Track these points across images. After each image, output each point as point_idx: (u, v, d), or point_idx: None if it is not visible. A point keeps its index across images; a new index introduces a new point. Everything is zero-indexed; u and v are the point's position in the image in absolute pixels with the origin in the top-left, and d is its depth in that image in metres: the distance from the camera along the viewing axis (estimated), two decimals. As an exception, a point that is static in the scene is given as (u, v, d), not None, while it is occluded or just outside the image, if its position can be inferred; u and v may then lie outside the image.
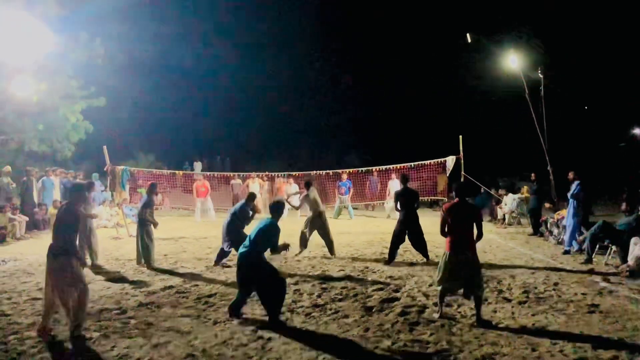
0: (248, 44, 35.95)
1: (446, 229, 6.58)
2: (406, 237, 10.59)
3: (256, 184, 20.09)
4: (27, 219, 14.31)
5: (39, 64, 16.59)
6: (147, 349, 5.65)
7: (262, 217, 7.20)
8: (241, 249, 6.70)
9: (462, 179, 15.34)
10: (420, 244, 10.56)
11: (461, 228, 6.50)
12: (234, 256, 10.49)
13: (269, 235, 6.70)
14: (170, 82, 32.73)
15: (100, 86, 19.32)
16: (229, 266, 10.08)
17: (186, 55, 32.91)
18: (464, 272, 6.44)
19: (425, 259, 10.52)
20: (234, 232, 9.91)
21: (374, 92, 35.73)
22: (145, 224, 10.29)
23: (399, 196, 10.72)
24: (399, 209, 10.67)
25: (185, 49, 33.23)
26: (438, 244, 12.29)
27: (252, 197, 10.57)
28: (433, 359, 5.33)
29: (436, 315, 6.67)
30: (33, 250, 12.02)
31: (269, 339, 5.93)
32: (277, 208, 7.04)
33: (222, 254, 10.30)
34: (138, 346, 5.72)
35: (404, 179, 11.15)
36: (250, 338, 5.97)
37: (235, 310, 6.76)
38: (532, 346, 5.61)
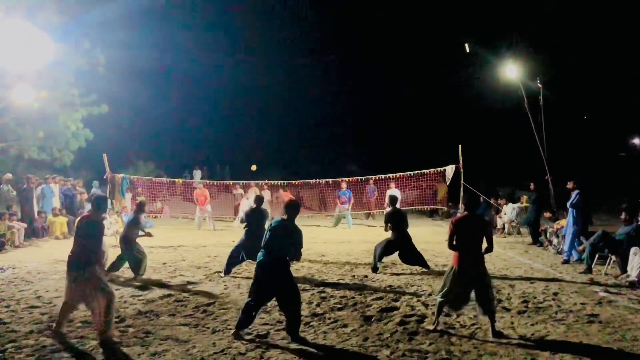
0: (249, 53, 36.10)
1: (454, 243, 6.45)
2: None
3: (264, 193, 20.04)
4: (25, 226, 14.29)
5: (40, 71, 16.60)
6: (145, 357, 5.63)
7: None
8: (263, 258, 6.31)
9: (461, 189, 15.37)
10: (415, 259, 10.45)
11: (470, 242, 6.39)
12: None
13: (299, 238, 6.39)
14: (170, 91, 32.86)
15: (101, 94, 19.31)
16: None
17: (187, 63, 32.99)
18: (471, 288, 6.34)
19: (426, 269, 10.42)
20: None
21: (373, 102, 35.87)
22: (131, 242, 9.99)
23: (389, 217, 10.60)
24: (389, 230, 10.56)
25: (186, 58, 33.32)
26: (437, 253, 12.33)
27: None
28: (432, 368, 5.31)
29: (431, 327, 6.56)
30: (32, 258, 12.00)
31: (267, 348, 5.91)
32: (295, 206, 6.64)
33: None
34: (136, 354, 5.70)
35: (393, 201, 11.02)
36: (249, 347, 5.95)
37: (246, 325, 6.35)
38: (532, 356, 5.59)
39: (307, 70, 38.05)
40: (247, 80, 34.73)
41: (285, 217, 6.49)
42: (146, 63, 28.27)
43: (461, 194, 15.51)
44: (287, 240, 6.33)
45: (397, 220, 10.46)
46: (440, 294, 6.56)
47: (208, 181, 22.02)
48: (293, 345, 6.04)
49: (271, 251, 6.28)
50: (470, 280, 6.34)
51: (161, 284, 9.35)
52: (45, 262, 11.49)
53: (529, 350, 5.79)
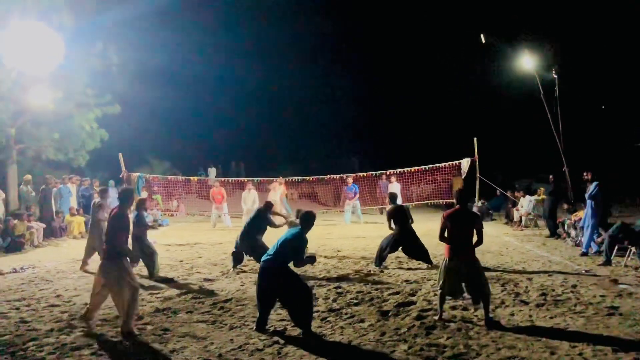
0: (262, 53, 36.14)
1: (446, 235, 6.58)
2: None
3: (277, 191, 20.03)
4: (44, 226, 14.45)
5: (55, 73, 16.77)
6: (164, 354, 5.66)
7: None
8: (264, 259, 6.46)
9: (477, 182, 15.26)
10: (419, 254, 10.43)
11: (461, 235, 6.51)
12: (248, 261, 10.63)
13: (295, 245, 6.46)
14: (184, 90, 32.87)
15: (115, 94, 19.45)
16: (244, 271, 10.13)
17: (200, 63, 33.07)
18: (464, 278, 6.48)
19: (429, 265, 10.32)
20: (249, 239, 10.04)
21: (388, 96, 35.73)
22: (141, 239, 10.05)
23: (390, 215, 10.64)
24: (393, 227, 10.55)
25: (200, 57, 33.41)
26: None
27: (269, 205, 10.69)
28: (450, 363, 5.28)
29: (436, 318, 6.68)
30: (51, 258, 12.15)
31: (285, 344, 5.92)
32: (307, 219, 6.68)
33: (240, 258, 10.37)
34: (155, 351, 5.75)
35: (393, 198, 11.21)
36: (266, 343, 5.97)
37: (262, 327, 6.43)
38: (551, 349, 5.54)
39: (320, 65, 38.07)
40: (259, 79, 34.79)
41: (300, 228, 6.63)
42: (159, 63, 28.39)
43: (477, 187, 15.39)
44: (287, 248, 6.43)
45: (398, 217, 10.47)
46: (438, 285, 6.74)
47: (223, 178, 22.03)
48: (310, 342, 6.04)
49: (272, 257, 6.38)
50: (461, 271, 6.45)
51: (178, 282, 9.40)
52: (63, 261, 11.63)
53: (548, 343, 5.73)
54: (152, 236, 15.24)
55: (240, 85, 35.04)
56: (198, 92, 34.26)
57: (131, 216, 10.08)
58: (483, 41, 16.62)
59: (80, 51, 17.84)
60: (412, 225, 10.54)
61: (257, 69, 34.63)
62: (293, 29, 36.68)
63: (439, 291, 6.71)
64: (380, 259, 10.49)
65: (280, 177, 20.89)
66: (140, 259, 9.96)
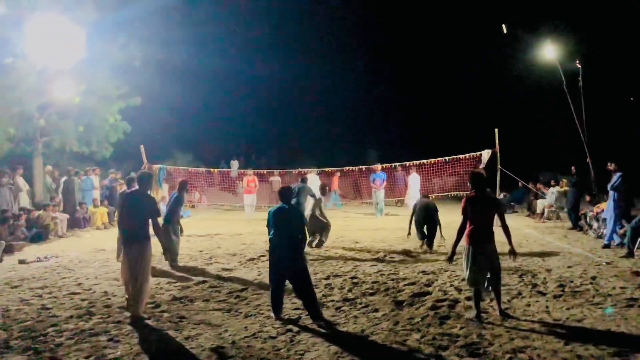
0: (282, 46, 36.16)
1: (466, 222, 6.37)
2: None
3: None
4: (68, 217, 14.72)
5: (78, 66, 17.02)
6: (179, 341, 5.75)
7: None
8: (277, 241, 6.49)
9: (498, 173, 15.08)
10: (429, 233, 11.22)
11: (481, 220, 6.31)
12: (266, 251, 10.69)
13: (299, 218, 6.80)
14: (206, 84, 33.08)
15: (137, 88, 19.68)
16: (262, 261, 10.21)
17: (223, 56, 33.22)
18: (485, 265, 6.25)
19: (428, 249, 11.08)
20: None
21: (408, 88, 35.49)
22: (174, 221, 10.27)
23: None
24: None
25: (223, 51, 33.56)
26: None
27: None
28: (462, 352, 5.26)
29: (472, 314, 6.35)
30: (74, 248, 12.38)
31: (298, 332, 5.97)
32: (286, 193, 6.94)
33: None
34: (170, 338, 5.84)
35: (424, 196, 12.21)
36: (280, 331, 6.02)
37: (278, 311, 6.52)
38: (565, 340, 5.47)
39: (339, 58, 37.93)
40: (280, 73, 34.78)
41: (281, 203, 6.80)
42: (181, 57, 28.57)
43: (498, 178, 15.21)
44: (291, 223, 6.57)
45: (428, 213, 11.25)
46: (468, 279, 6.38)
47: (244, 170, 22.13)
48: (323, 329, 6.08)
49: (281, 235, 6.49)
50: (481, 257, 6.24)
51: (197, 271, 9.51)
52: (86, 251, 11.84)
53: (563, 334, 5.68)
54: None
55: (260, 79, 35.11)
56: (219, 85, 34.44)
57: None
58: (505, 31, 16.39)
59: (103, 45, 18.08)
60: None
61: (278, 63, 34.63)
62: (311, 21, 36.65)
63: (473, 287, 6.37)
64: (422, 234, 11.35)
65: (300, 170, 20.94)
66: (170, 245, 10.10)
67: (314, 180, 17.70)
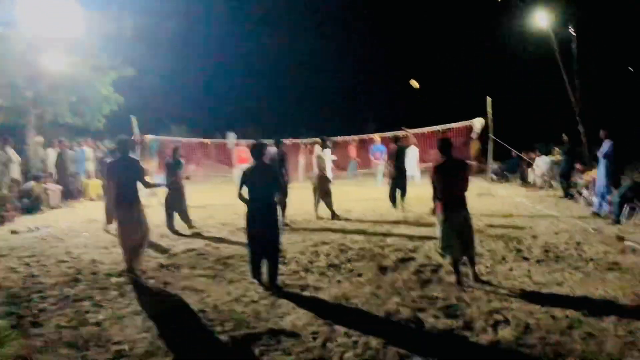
0: (276, 18, 35.85)
1: (438, 190, 6.30)
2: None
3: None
4: (61, 188, 14.75)
5: (70, 36, 16.85)
6: (161, 305, 5.82)
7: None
8: (254, 206, 6.46)
9: (490, 142, 15.07)
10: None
11: (452, 186, 6.24)
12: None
13: (276, 178, 6.72)
14: (201, 54, 32.99)
15: (130, 59, 19.53)
16: None
17: (217, 27, 32.99)
18: (457, 230, 6.19)
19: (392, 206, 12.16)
20: None
21: (399, 54, 35.27)
22: (180, 187, 10.53)
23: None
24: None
25: (217, 22, 33.30)
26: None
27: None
28: (439, 314, 5.32)
29: (454, 279, 6.38)
30: (66, 218, 12.42)
31: (280, 296, 6.03)
32: (258, 150, 6.65)
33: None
34: (153, 302, 5.91)
35: (396, 139, 12.75)
36: (262, 295, 6.08)
37: (259, 276, 6.56)
38: (543, 302, 5.53)
39: (333, 28, 37.70)
40: (275, 45, 34.65)
41: (255, 162, 6.62)
42: (173, 29, 28.29)
43: (490, 147, 15.19)
44: (268, 182, 6.51)
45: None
46: (440, 247, 6.43)
47: (238, 141, 22.07)
48: (306, 293, 6.15)
49: (257, 197, 6.47)
50: (454, 223, 6.19)
51: (186, 240, 9.57)
52: (78, 221, 11.88)
53: (541, 296, 5.74)
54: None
55: (256, 51, 34.93)
56: (214, 57, 34.27)
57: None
58: (498, -1, 16.20)
59: (95, 15, 17.88)
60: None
61: (273, 35, 34.42)
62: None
63: (449, 255, 6.38)
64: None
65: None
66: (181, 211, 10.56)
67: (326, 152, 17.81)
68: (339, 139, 21.44)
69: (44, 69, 16.83)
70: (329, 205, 11.72)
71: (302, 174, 23.01)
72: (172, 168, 10.54)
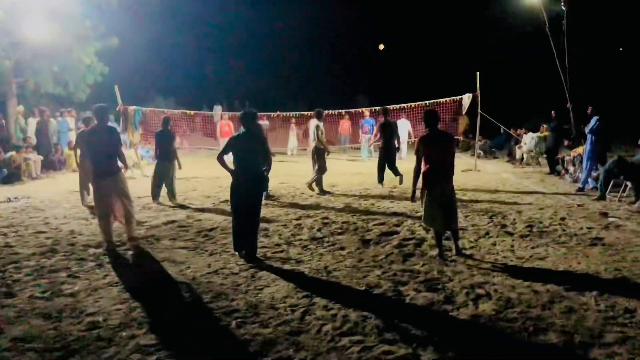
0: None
1: (421, 162, 6.17)
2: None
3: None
4: (42, 158, 14.49)
5: (52, 4, 16.42)
6: (137, 277, 5.71)
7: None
8: (240, 177, 6.31)
9: (478, 118, 14.95)
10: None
11: (437, 159, 6.08)
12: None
13: (264, 149, 6.51)
14: (190, 27, 32.37)
15: (115, 30, 19.13)
16: None
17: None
18: (440, 204, 6.08)
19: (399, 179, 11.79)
20: None
21: (384, 27, 34.90)
22: (173, 158, 10.38)
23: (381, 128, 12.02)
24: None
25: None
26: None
27: None
28: (420, 287, 5.27)
29: (436, 252, 6.33)
30: (47, 189, 12.23)
31: (260, 269, 5.94)
32: (248, 117, 6.45)
33: None
34: (130, 274, 5.80)
35: (385, 112, 12.34)
36: (242, 267, 5.99)
37: (241, 248, 6.44)
38: (525, 276, 5.49)
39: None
40: (263, 17, 34.05)
41: (244, 130, 6.44)
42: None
43: (478, 123, 15.08)
44: (256, 151, 6.33)
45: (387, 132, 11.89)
46: (423, 220, 6.40)
47: (227, 113, 21.79)
48: (287, 266, 6.07)
49: (244, 167, 6.32)
50: (437, 197, 6.08)
51: (168, 212, 9.44)
52: (59, 192, 11.69)
53: (525, 271, 5.71)
54: (149, 171, 15.38)
55: (244, 23, 34.33)
56: (201, 30, 33.70)
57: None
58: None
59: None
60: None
61: (261, 7, 33.84)
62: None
63: (432, 229, 6.36)
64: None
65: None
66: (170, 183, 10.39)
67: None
68: (330, 112, 21.18)
69: (24, 37, 16.41)
70: (320, 181, 11.43)
71: (293, 147, 22.95)
72: (162, 139, 10.33)
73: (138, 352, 3.90)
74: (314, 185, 11.48)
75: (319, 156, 11.27)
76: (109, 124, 7.08)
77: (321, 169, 11.32)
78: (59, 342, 4.07)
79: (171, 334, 4.28)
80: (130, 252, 6.67)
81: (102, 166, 6.70)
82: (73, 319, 4.55)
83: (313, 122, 11.53)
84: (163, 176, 10.29)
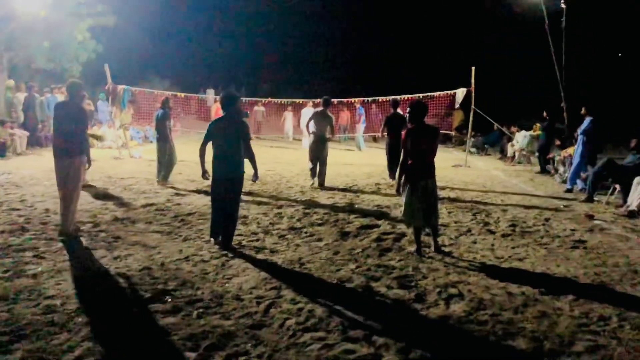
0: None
1: (408, 156, 5.98)
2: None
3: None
4: (27, 134, 14.27)
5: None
6: (106, 260, 5.56)
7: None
8: (219, 164, 6.15)
9: (471, 113, 14.77)
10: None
11: (420, 153, 5.93)
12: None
13: (245, 134, 6.23)
14: (184, 9, 32.06)
15: (113, 7, 18.85)
16: None
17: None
18: (422, 199, 5.94)
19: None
20: None
21: (382, 21, 34.64)
22: (168, 138, 10.32)
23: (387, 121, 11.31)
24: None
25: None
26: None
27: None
28: (392, 284, 5.13)
29: (412, 249, 6.20)
30: (30, 166, 12.03)
31: (232, 257, 5.80)
32: (229, 101, 6.24)
33: None
34: (99, 257, 5.64)
35: (394, 104, 11.51)
36: (214, 255, 5.85)
37: (217, 235, 6.28)
38: (501, 277, 5.36)
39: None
40: (259, 2, 33.77)
41: (224, 115, 6.23)
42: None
43: (471, 119, 14.91)
44: (236, 136, 6.12)
45: (394, 124, 10.99)
46: (402, 215, 6.24)
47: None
48: (260, 256, 5.93)
49: (224, 153, 6.14)
50: (421, 193, 5.94)
51: (148, 195, 9.28)
52: (42, 169, 11.47)
53: (502, 272, 5.57)
54: (138, 152, 15.21)
55: (242, 6, 34.01)
56: (201, 14, 33.40)
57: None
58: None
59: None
60: None
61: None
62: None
63: (411, 225, 6.23)
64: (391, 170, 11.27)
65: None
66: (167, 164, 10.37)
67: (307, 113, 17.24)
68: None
69: (15, 11, 16.11)
70: (323, 175, 10.79)
71: (288, 134, 22.86)
72: (161, 119, 10.35)
73: (89, 340, 3.75)
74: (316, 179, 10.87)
75: (325, 147, 10.71)
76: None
77: (326, 161, 10.82)
78: (9, 326, 3.91)
79: (128, 323, 4.13)
80: (102, 234, 6.51)
81: (60, 143, 6.32)
82: (30, 301, 4.40)
83: (320, 110, 10.90)
84: (163, 156, 10.37)
